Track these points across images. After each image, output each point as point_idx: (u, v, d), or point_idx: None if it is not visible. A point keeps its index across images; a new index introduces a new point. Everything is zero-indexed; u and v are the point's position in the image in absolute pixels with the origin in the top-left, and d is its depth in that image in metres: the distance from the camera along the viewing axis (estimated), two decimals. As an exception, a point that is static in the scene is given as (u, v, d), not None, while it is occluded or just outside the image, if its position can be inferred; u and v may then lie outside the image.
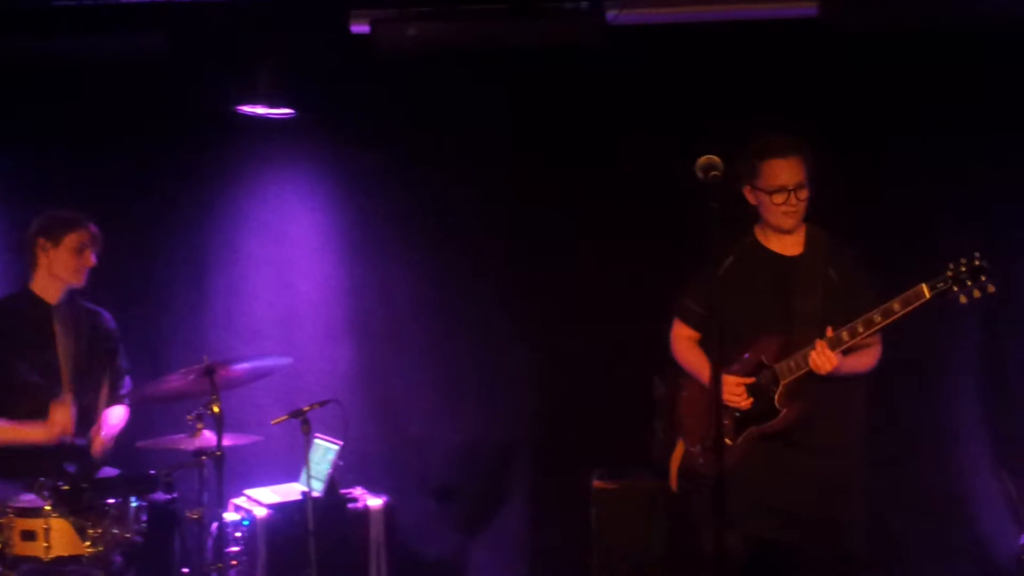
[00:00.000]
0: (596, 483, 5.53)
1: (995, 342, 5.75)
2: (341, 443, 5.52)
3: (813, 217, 4.61)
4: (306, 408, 5.21)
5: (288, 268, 6.25)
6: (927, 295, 4.23)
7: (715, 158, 3.88)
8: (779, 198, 4.48)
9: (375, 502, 5.69)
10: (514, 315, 6.06)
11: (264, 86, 5.71)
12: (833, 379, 4.39)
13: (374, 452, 6.09)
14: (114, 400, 5.33)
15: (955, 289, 4.19)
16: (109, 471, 5.22)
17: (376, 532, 5.64)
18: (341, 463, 5.54)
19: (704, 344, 4.72)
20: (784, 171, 4.47)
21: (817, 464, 4.45)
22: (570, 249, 5.99)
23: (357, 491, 5.73)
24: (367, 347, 6.18)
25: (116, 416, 5.28)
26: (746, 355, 4.51)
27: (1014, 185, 5.68)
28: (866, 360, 4.52)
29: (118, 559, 4.77)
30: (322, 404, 5.31)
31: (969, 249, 4.25)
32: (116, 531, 4.72)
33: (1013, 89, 5.58)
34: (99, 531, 4.66)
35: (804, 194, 4.49)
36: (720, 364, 4.02)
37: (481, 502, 6.12)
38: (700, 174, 3.88)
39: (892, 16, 5.15)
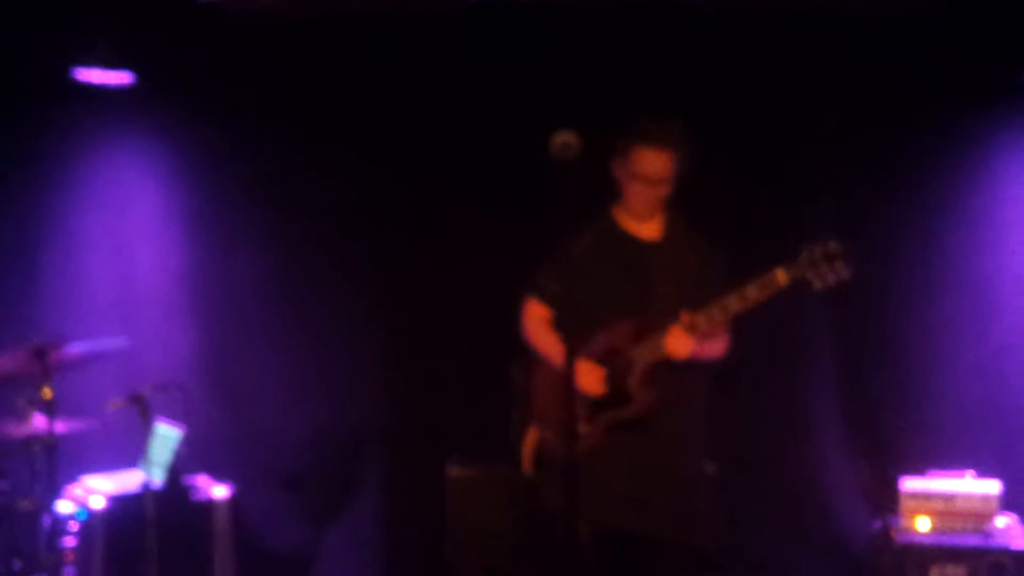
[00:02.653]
0: (451, 471, 5.47)
1: (850, 334, 5.83)
2: (183, 429, 5.38)
3: (675, 201, 4.58)
4: (145, 392, 5.03)
5: (127, 246, 6.06)
6: (782, 280, 4.22)
7: (570, 136, 3.77)
8: (639, 186, 4.44)
9: (220, 491, 5.56)
10: (367, 299, 5.96)
11: (103, 48, 5.49)
12: (684, 367, 4.37)
13: (219, 439, 5.91)
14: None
15: (809, 274, 4.19)
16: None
17: (221, 522, 5.53)
18: (183, 450, 5.40)
19: (558, 325, 4.63)
20: (650, 163, 4.41)
21: (666, 452, 4.42)
22: (426, 232, 5.91)
23: (201, 480, 5.59)
24: (212, 329, 6.03)
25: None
26: (600, 339, 4.44)
27: (876, 173, 5.76)
28: (715, 347, 4.50)
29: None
30: (163, 388, 5.15)
31: (827, 235, 4.24)
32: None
33: (880, 77, 5.66)
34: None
35: (665, 190, 4.45)
36: (574, 347, 3.91)
37: (333, 491, 6.02)
38: (556, 152, 3.78)
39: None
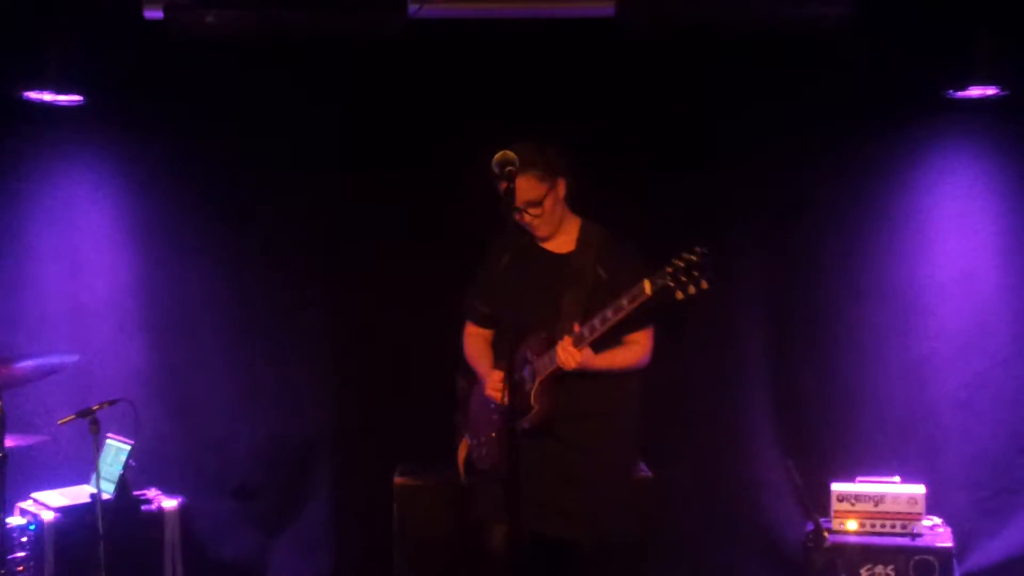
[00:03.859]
0: (398, 479, 5.51)
1: (780, 341, 5.96)
2: (133, 443, 5.39)
3: (589, 213, 4.68)
4: (95, 407, 5.06)
5: (78, 261, 6.04)
6: (648, 291, 4.27)
7: (511, 154, 3.92)
8: (515, 215, 4.50)
9: (170, 503, 5.58)
10: (315, 310, 6.00)
11: (52, 71, 5.49)
12: (598, 374, 4.46)
13: (169, 452, 5.94)
14: None
15: (672, 284, 4.22)
16: None
17: (171, 534, 5.54)
18: (133, 464, 5.42)
19: (496, 342, 4.75)
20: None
21: (580, 459, 4.51)
22: (370, 244, 5.94)
23: (151, 492, 5.61)
24: (162, 343, 6.02)
25: None
26: (516, 351, 4.51)
27: (805, 183, 5.90)
28: (629, 354, 4.58)
29: None
30: (112, 403, 5.16)
31: (693, 244, 4.26)
32: None
33: (808, 90, 5.78)
34: None
35: (537, 211, 4.51)
36: (507, 362, 4.03)
37: (282, 501, 6.05)
38: (497, 170, 3.93)
39: (686, 17, 5.27)
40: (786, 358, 5.96)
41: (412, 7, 5.27)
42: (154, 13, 5.32)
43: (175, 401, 6.01)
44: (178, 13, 5.23)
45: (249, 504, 6.02)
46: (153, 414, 5.81)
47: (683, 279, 4.19)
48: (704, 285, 4.17)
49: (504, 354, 4.48)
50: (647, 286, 4.27)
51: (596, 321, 4.37)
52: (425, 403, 5.67)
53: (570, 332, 4.40)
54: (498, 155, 3.96)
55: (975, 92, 5.56)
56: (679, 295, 4.21)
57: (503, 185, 3.94)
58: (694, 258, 4.19)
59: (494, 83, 5.79)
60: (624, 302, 4.32)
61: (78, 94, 5.65)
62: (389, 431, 5.89)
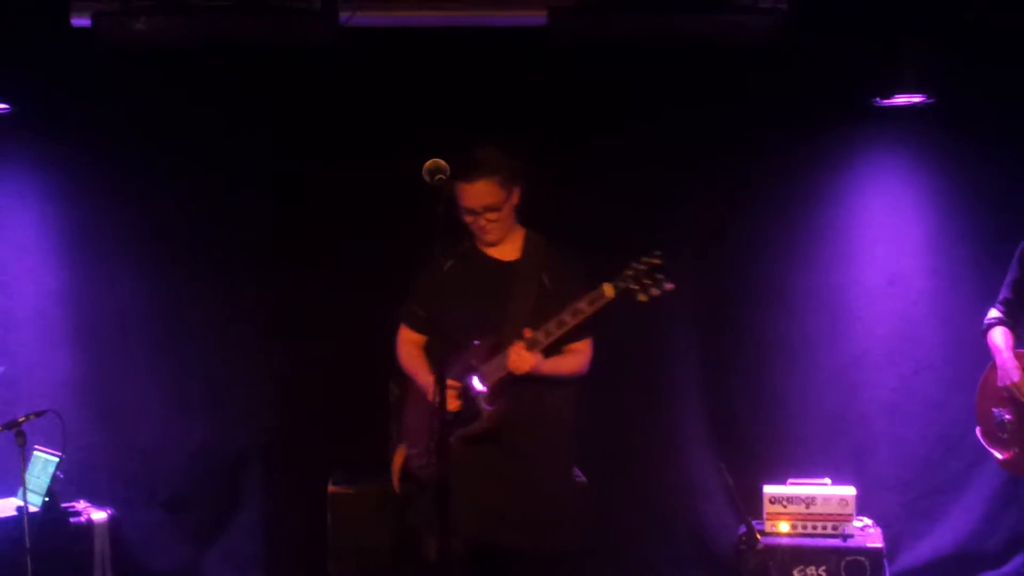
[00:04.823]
0: (332, 488, 5.48)
1: (713, 346, 6.02)
2: (61, 455, 5.33)
3: (531, 222, 4.70)
4: (21, 419, 5.00)
5: (2, 270, 5.96)
6: (610, 294, 4.28)
7: (442, 162, 3.92)
8: (468, 218, 4.51)
9: (99, 515, 5.54)
10: (246, 320, 5.95)
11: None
12: (541, 381, 4.46)
13: (99, 463, 5.87)
14: None
15: (634, 287, 4.24)
16: None
17: (101, 546, 5.50)
18: (61, 476, 5.36)
19: (429, 348, 4.74)
20: (469, 195, 4.47)
21: (525, 465, 4.49)
22: (303, 252, 5.92)
23: (80, 504, 5.56)
24: (90, 353, 5.95)
25: None
26: (460, 357, 4.50)
27: (737, 189, 5.97)
28: (570, 364, 4.58)
29: None
30: (39, 414, 5.12)
31: (652, 248, 4.31)
32: None
33: (741, 98, 5.86)
34: None
35: (494, 216, 4.50)
36: (439, 369, 4.03)
37: (214, 511, 5.99)
38: (427, 178, 3.93)
39: (618, 26, 5.31)
40: (718, 364, 6.02)
41: (343, 15, 5.25)
42: (82, 20, 5.25)
43: (104, 412, 5.94)
44: (106, 20, 5.16)
45: (180, 515, 5.96)
46: (81, 425, 5.75)
47: (646, 281, 4.23)
48: (668, 286, 4.23)
49: (445, 361, 4.43)
50: (608, 289, 4.28)
51: (552, 325, 4.36)
52: (358, 412, 5.65)
53: (521, 337, 4.39)
54: (428, 163, 3.96)
55: (901, 100, 5.66)
56: (642, 297, 4.24)
57: (441, 192, 3.94)
58: (655, 261, 4.24)
59: (426, 91, 5.78)
60: (583, 306, 4.33)
61: (4, 102, 5.57)
62: (322, 440, 5.86)
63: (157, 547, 5.92)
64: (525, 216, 4.63)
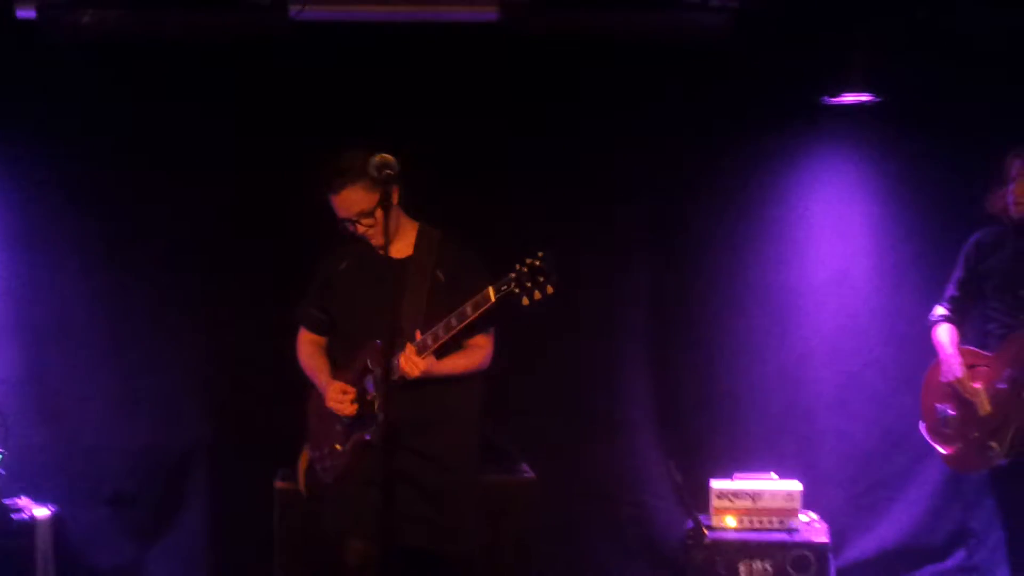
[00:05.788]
0: (279, 484, 5.43)
1: (661, 342, 6.04)
2: (2, 452, 5.29)
3: (500, 220, 4.69)
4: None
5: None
6: (492, 297, 4.23)
7: (389, 157, 3.92)
8: (349, 227, 4.48)
9: (42, 512, 5.48)
10: (190, 316, 5.89)
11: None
12: (439, 382, 4.43)
13: (41, 460, 5.78)
14: None
15: (517, 291, 4.15)
16: None
17: (43, 543, 5.43)
18: (3, 472, 5.31)
19: (327, 349, 4.72)
20: (339, 205, 4.45)
21: (429, 467, 4.47)
22: (246, 249, 5.86)
23: (22, 501, 5.50)
24: (33, 351, 5.84)
25: None
26: (356, 359, 4.50)
27: (685, 187, 5.99)
28: (468, 360, 4.55)
29: None
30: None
31: (535, 249, 4.22)
32: None
33: (687, 97, 5.87)
34: None
35: (370, 221, 4.45)
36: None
37: (159, 508, 5.92)
38: (374, 173, 3.91)
39: (568, 23, 5.32)
40: (666, 360, 6.04)
41: (293, 9, 5.22)
42: (27, 13, 5.19)
43: (47, 409, 5.85)
44: (52, 13, 5.10)
45: (125, 512, 5.88)
46: (24, 422, 5.68)
47: (528, 284, 4.14)
48: (549, 290, 4.14)
49: (343, 363, 4.49)
50: (491, 293, 4.23)
51: (439, 329, 4.33)
52: (306, 409, 5.53)
53: (412, 340, 4.35)
54: (376, 158, 3.94)
55: (849, 98, 5.71)
56: (525, 301, 4.16)
57: (389, 188, 3.93)
58: (536, 263, 4.14)
59: (376, 85, 5.75)
60: (468, 309, 4.29)
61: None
62: (269, 438, 5.74)
63: (101, 545, 5.85)
64: (473, 209, 4.62)
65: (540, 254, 4.15)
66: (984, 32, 5.61)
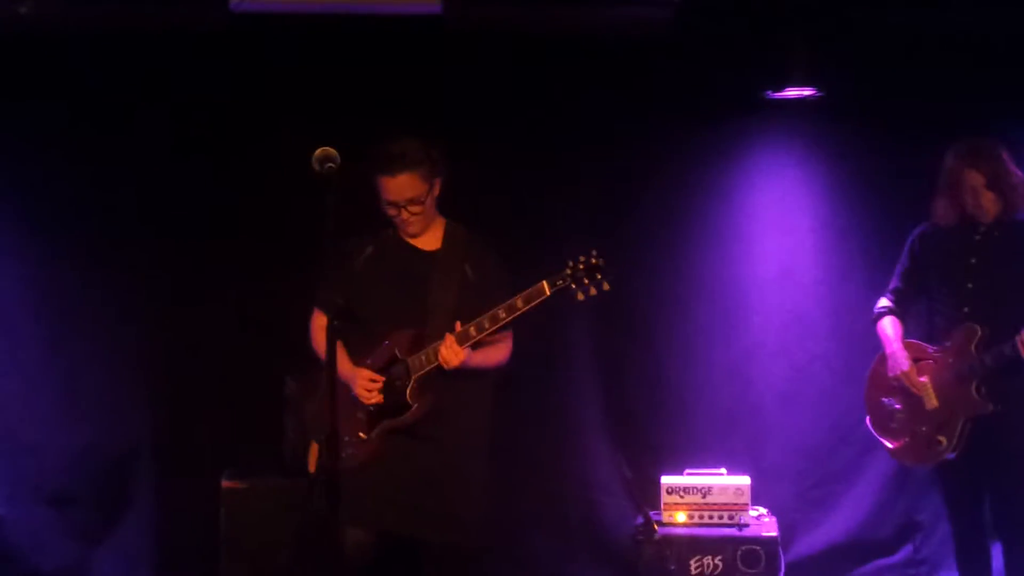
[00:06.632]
0: (225, 483, 5.42)
1: (613, 339, 6.05)
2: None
3: (450, 212, 4.69)
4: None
5: None
6: (547, 292, 4.35)
7: (331, 150, 3.88)
8: (392, 211, 4.52)
9: (-17, 512, 5.40)
10: (135, 313, 5.84)
11: None
12: (464, 374, 4.46)
13: (-19, 457, 5.72)
14: None
15: (573, 286, 4.33)
16: None
17: None
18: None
19: (344, 335, 4.67)
20: (392, 188, 4.48)
21: (443, 458, 4.50)
22: (198, 244, 5.83)
23: (-37, 501, 5.42)
24: (-28, 346, 5.79)
25: None
26: (381, 348, 4.51)
27: (629, 185, 5.99)
28: (496, 355, 4.62)
29: None
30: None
31: (588, 248, 4.40)
32: None
33: (629, 95, 5.87)
34: None
35: (418, 208, 4.51)
36: (333, 360, 3.96)
37: (103, 507, 5.86)
38: (316, 166, 3.90)
39: (511, 17, 5.33)
40: (614, 356, 6.04)
41: (234, 1, 5.20)
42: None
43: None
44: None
45: (68, 513, 5.82)
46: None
47: (585, 281, 4.31)
48: (605, 287, 4.33)
49: (359, 350, 4.48)
50: (545, 287, 4.34)
51: (486, 320, 4.39)
52: (250, 408, 5.59)
53: (451, 330, 4.39)
54: (318, 151, 3.91)
55: (792, 93, 5.73)
56: (580, 296, 4.33)
57: (331, 181, 3.91)
58: (593, 260, 4.32)
59: (319, 79, 5.73)
60: (519, 303, 4.37)
61: None
62: (214, 437, 5.78)
63: (43, 545, 5.78)
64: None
65: (594, 252, 4.33)
66: (924, 27, 5.65)
